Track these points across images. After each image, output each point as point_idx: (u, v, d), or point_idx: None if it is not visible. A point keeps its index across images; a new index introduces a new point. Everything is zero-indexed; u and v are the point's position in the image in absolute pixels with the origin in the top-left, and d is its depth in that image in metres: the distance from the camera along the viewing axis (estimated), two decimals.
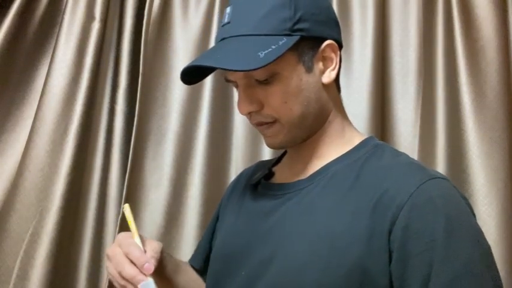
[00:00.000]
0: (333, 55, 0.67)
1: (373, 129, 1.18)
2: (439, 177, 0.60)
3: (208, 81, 1.31)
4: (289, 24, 0.62)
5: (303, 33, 0.63)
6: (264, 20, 0.62)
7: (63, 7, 1.35)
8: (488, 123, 1.15)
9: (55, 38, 1.34)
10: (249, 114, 0.67)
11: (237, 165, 1.28)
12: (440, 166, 1.14)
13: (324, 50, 0.66)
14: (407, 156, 0.67)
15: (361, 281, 0.56)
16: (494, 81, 1.16)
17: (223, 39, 0.65)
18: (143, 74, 1.29)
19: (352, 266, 0.56)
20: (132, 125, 1.27)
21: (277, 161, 0.82)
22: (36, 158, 1.24)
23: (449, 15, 1.23)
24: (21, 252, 1.18)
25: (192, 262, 0.88)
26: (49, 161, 1.24)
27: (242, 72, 0.64)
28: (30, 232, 1.19)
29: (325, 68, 0.67)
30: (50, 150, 1.24)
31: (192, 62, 0.65)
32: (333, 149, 0.69)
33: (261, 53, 0.59)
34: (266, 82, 0.64)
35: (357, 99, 1.21)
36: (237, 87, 0.69)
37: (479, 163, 1.14)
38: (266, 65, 0.59)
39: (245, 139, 1.28)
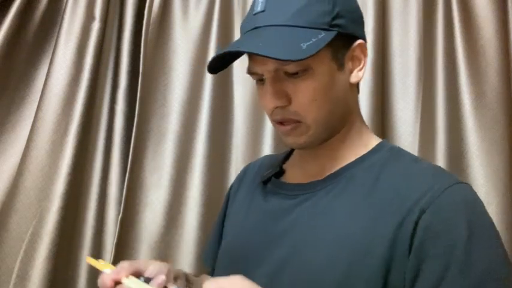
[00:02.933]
0: (361, 55, 0.66)
1: (373, 129, 1.18)
2: (462, 183, 0.60)
3: (208, 81, 1.31)
4: (327, 19, 0.61)
5: (340, 30, 0.62)
6: (302, 12, 0.61)
7: (63, 7, 1.35)
8: (488, 123, 1.15)
9: (55, 38, 1.33)
10: (273, 110, 0.65)
11: (237, 165, 1.28)
12: (440, 166, 1.14)
13: (354, 49, 0.65)
14: (426, 161, 0.67)
15: (380, 286, 0.56)
16: (494, 81, 1.16)
17: (257, 27, 0.62)
18: (143, 74, 1.29)
19: (374, 271, 0.56)
20: (132, 125, 1.27)
21: (286, 157, 0.79)
22: (36, 158, 1.24)
23: (449, 15, 1.23)
24: (21, 252, 1.18)
25: (205, 263, 0.86)
26: (49, 161, 1.24)
27: (272, 65, 0.62)
28: (30, 232, 1.19)
29: (353, 67, 0.66)
30: (50, 150, 1.24)
31: (230, 47, 0.63)
32: (350, 151, 0.68)
33: (303, 45, 0.58)
34: (296, 76, 0.62)
35: None
36: (260, 80, 0.66)
37: (479, 163, 1.14)
38: (309, 57, 0.57)
39: (245, 139, 1.28)
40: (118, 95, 1.31)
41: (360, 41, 0.65)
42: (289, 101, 0.63)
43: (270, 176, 0.75)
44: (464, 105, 1.17)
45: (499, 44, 1.17)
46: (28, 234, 1.19)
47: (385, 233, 0.57)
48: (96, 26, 1.32)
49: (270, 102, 0.63)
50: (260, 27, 0.62)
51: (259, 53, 0.58)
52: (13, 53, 1.35)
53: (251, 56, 0.64)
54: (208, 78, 1.31)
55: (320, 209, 0.63)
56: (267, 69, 0.63)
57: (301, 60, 0.57)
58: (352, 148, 0.68)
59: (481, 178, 1.12)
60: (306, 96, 0.62)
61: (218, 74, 0.72)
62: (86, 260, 0.68)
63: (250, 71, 0.66)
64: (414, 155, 0.68)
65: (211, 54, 1.32)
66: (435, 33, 1.23)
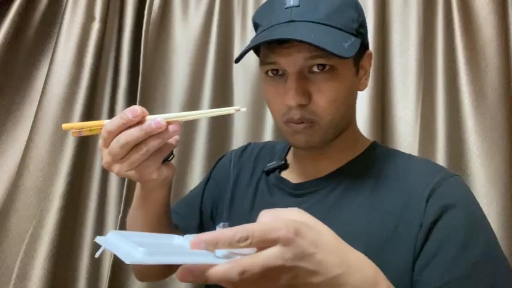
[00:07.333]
0: (368, 65, 0.69)
1: (373, 129, 1.18)
2: (456, 175, 0.65)
3: (208, 81, 1.31)
4: (355, 25, 0.63)
5: (361, 38, 0.65)
6: (336, 13, 0.62)
7: (63, 7, 1.35)
8: (488, 123, 1.15)
9: (55, 38, 1.33)
10: (292, 108, 0.62)
11: None
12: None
13: (365, 57, 0.68)
14: (416, 156, 0.72)
15: (404, 280, 0.57)
16: (494, 82, 1.16)
17: (292, 21, 0.61)
18: (143, 74, 1.29)
19: (389, 261, 0.57)
20: None
21: (288, 148, 0.81)
22: (36, 158, 1.24)
23: (449, 15, 1.22)
24: (21, 252, 1.17)
25: (183, 226, 0.82)
26: (49, 161, 1.24)
27: (302, 60, 0.60)
28: (30, 232, 1.19)
29: (361, 75, 0.69)
30: (50, 150, 1.24)
31: (279, 34, 0.59)
32: (347, 152, 0.71)
33: (345, 44, 0.59)
34: (319, 73, 0.61)
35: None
36: (273, 74, 0.64)
37: (479, 163, 1.14)
38: (351, 56, 0.59)
39: (245, 139, 1.28)
40: (118, 95, 1.31)
41: (369, 51, 0.69)
42: (309, 99, 0.62)
43: (274, 168, 0.76)
44: (464, 106, 1.17)
45: (499, 44, 1.17)
46: (28, 234, 1.19)
47: (396, 225, 0.59)
48: (96, 26, 1.32)
49: (294, 99, 0.60)
50: (296, 21, 0.60)
51: (314, 43, 0.56)
52: (13, 53, 1.35)
53: (274, 47, 0.62)
54: (208, 78, 1.31)
55: (327, 206, 0.65)
56: (294, 63, 0.61)
57: (347, 58, 0.58)
58: (349, 149, 0.71)
59: (481, 178, 1.12)
60: (327, 95, 0.62)
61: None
62: (63, 127, 0.57)
63: (268, 62, 0.63)
64: (406, 153, 0.72)
65: (212, 54, 1.32)
66: (435, 33, 1.23)
